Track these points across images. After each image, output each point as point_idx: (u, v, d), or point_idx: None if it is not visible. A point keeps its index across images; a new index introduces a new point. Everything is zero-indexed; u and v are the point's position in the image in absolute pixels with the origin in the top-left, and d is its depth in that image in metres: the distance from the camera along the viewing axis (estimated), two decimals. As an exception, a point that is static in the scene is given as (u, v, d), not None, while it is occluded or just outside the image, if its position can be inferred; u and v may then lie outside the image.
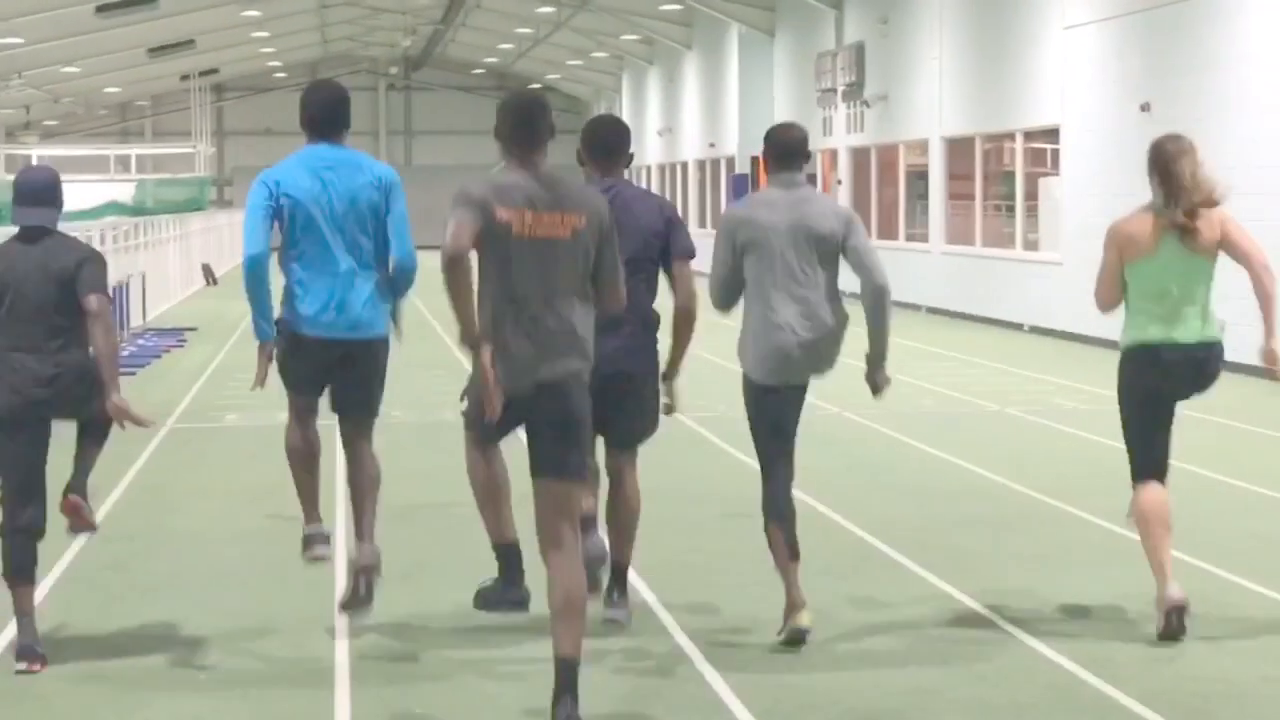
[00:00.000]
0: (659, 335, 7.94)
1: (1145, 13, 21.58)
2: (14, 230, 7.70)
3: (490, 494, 6.98)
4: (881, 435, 14.18)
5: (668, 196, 49.73)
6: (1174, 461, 8.11)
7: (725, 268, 7.81)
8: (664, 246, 7.83)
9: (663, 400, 7.98)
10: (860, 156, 33.93)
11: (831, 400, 16.10)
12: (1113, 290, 8.00)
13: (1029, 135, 25.79)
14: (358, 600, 7.92)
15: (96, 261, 7.64)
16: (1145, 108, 21.45)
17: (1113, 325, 8.37)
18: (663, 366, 7.99)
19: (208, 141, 60.82)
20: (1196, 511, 10.26)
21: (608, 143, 7.97)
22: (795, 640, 7.67)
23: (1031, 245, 25.89)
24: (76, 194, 52.30)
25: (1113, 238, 7.98)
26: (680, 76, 47.41)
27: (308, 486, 8.18)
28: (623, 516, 8.03)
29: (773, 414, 7.81)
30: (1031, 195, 26.01)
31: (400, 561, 8.93)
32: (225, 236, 47.35)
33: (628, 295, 6.92)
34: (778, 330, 7.68)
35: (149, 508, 11.29)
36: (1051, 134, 24.91)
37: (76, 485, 7.80)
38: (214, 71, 59.70)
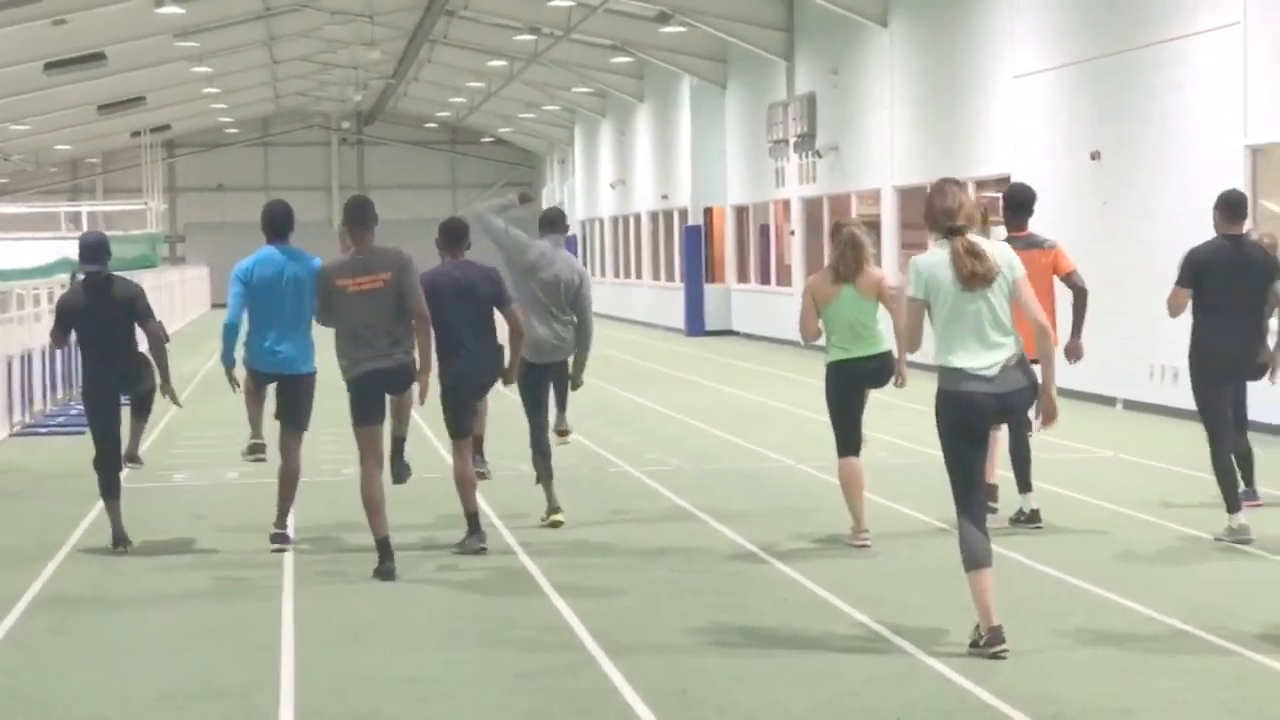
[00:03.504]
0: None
1: (1094, 61, 21.66)
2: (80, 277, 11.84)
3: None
4: (830, 485, 14.12)
5: (620, 249, 49.89)
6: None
7: (522, 303, 12.27)
8: (495, 296, 11.71)
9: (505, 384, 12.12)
10: (813, 207, 33.96)
11: (784, 453, 16.08)
12: None
13: (981, 184, 25.84)
14: None
15: (144, 294, 11.84)
16: (1095, 156, 21.53)
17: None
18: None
19: (159, 198, 60.61)
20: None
21: (449, 235, 11.80)
22: (555, 525, 12.40)
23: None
24: (27, 252, 52.20)
25: None
26: (632, 129, 47.45)
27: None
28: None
29: (535, 383, 12.56)
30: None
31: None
32: (178, 294, 47.14)
33: (479, 328, 11.60)
34: (542, 333, 12.51)
35: (93, 569, 11.16)
36: (1003, 182, 24.93)
37: (132, 447, 11.92)
38: (165, 128, 59.52)
